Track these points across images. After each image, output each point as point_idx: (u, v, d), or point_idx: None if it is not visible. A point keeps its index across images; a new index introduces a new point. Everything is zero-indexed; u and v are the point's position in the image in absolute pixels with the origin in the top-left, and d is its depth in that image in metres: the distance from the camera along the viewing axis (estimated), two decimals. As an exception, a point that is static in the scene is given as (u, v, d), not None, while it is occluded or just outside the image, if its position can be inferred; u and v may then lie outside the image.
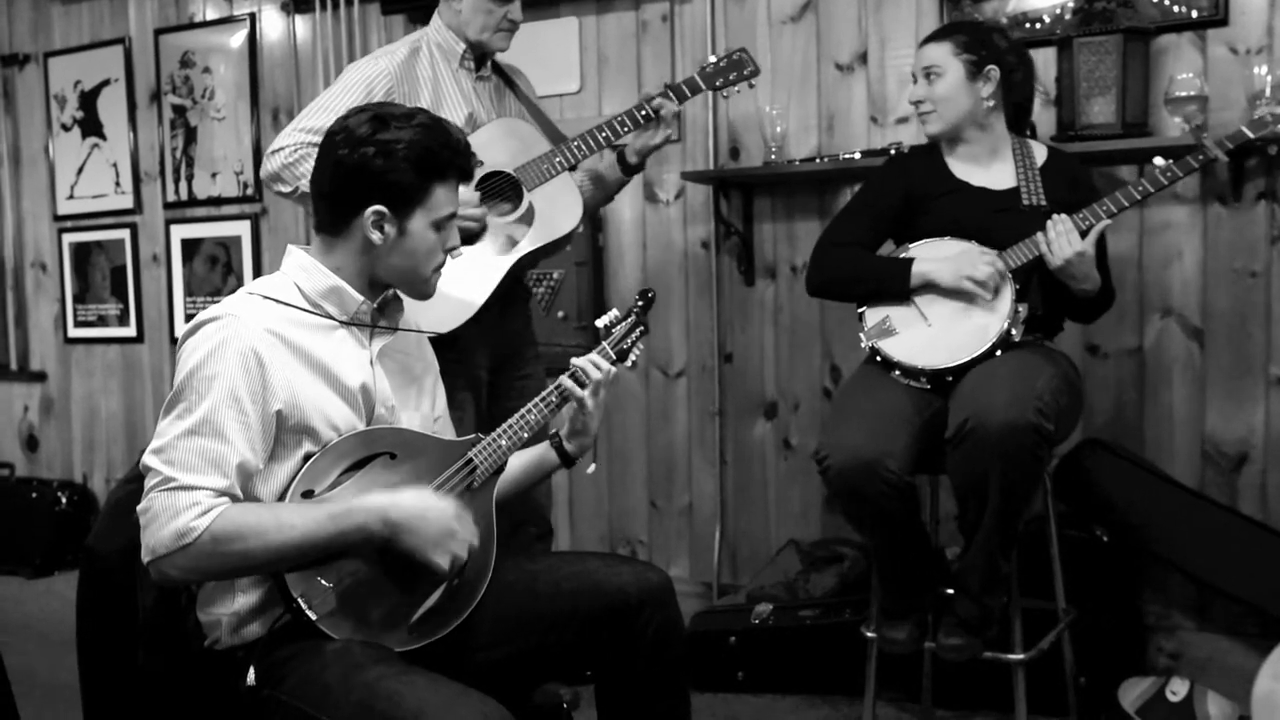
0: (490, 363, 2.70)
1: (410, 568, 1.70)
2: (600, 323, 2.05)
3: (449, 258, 1.84)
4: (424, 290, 1.84)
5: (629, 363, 2.05)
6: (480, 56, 2.71)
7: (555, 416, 1.95)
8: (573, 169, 2.64)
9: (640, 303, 2.11)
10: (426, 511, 1.68)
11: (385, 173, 1.71)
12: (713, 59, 2.76)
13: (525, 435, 1.90)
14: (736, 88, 2.75)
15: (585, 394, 1.93)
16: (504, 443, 1.88)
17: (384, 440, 1.76)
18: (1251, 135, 2.43)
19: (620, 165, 2.74)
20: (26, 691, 3.20)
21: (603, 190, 2.82)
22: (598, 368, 1.95)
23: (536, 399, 1.92)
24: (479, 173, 2.54)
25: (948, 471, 2.34)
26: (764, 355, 3.59)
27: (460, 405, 2.57)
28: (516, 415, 1.90)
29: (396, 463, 1.75)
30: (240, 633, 1.68)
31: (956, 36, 2.58)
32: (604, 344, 2.02)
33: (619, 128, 2.63)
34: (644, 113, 2.63)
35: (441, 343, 2.43)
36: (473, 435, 1.88)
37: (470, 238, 2.54)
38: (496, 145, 2.59)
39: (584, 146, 2.62)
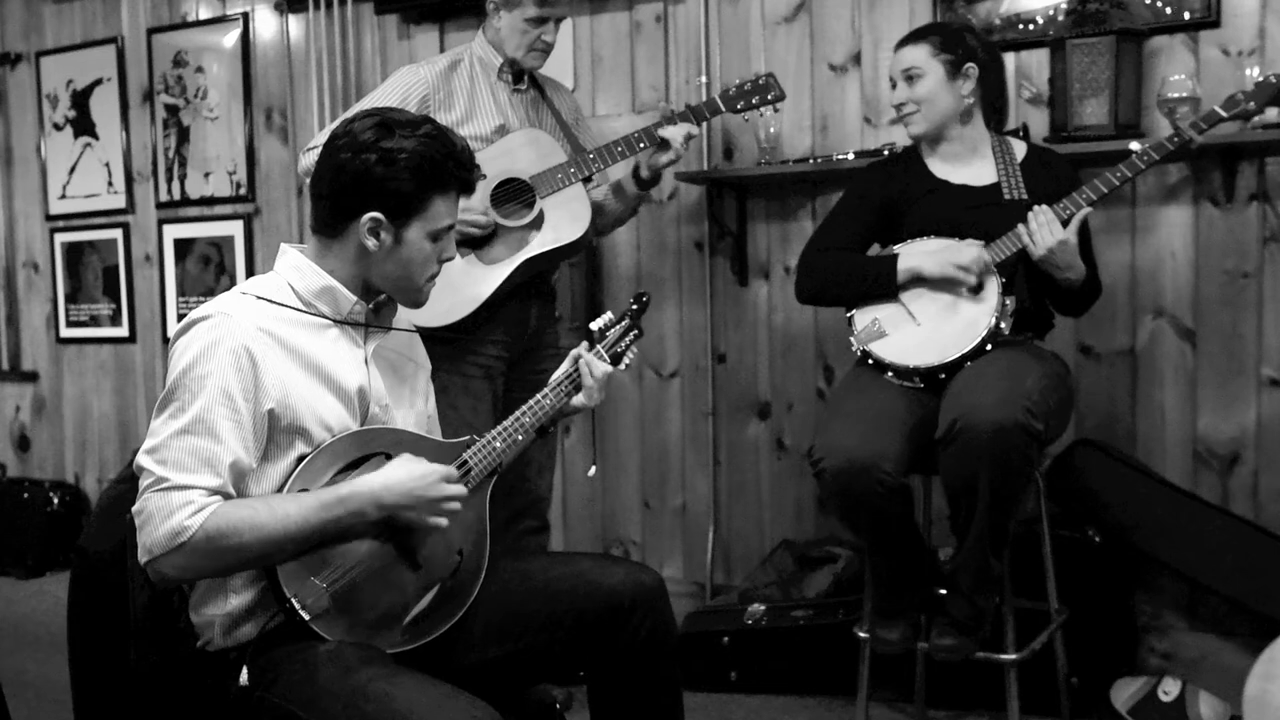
0: (509, 354, 2.79)
1: (405, 566, 1.71)
2: (595, 325, 2.06)
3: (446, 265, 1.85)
4: (416, 299, 1.84)
5: (622, 365, 2.08)
6: (518, 72, 2.83)
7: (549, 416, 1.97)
8: (587, 180, 2.74)
9: (635, 306, 2.13)
10: (416, 485, 1.69)
11: (385, 180, 1.70)
12: (737, 81, 2.84)
13: (520, 438, 1.90)
14: (760, 111, 2.84)
15: (582, 398, 1.99)
16: (499, 445, 1.88)
17: (379, 440, 1.76)
18: (1225, 115, 2.44)
19: (635, 180, 2.82)
20: (18, 692, 3.20)
21: (624, 202, 2.90)
22: (592, 371, 1.98)
23: (530, 402, 1.93)
24: (498, 178, 2.68)
25: (939, 472, 2.35)
26: (757, 355, 3.59)
27: (477, 395, 2.70)
28: (511, 418, 1.90)
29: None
30: (233, 634, 1.67)
31: (932, 37, 2.61)
32: (598, 346, 2.03)
33: (635, 144, 2.73)
34: (661, 139, 2.72)
35: (458, 333, 2.56)
36: (467, 437, 1.88)
37: (479, 241, 2.65)
38: (516, 153, 2.72)
39: (599, 160, 2.72)
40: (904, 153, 2.75)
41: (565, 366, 2.00)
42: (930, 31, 2.65)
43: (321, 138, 2.63)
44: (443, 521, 1.71)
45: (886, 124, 3.35)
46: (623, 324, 2.10)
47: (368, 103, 2.66)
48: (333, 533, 1.64)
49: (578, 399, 2.00)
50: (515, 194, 2.70)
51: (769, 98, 2.82)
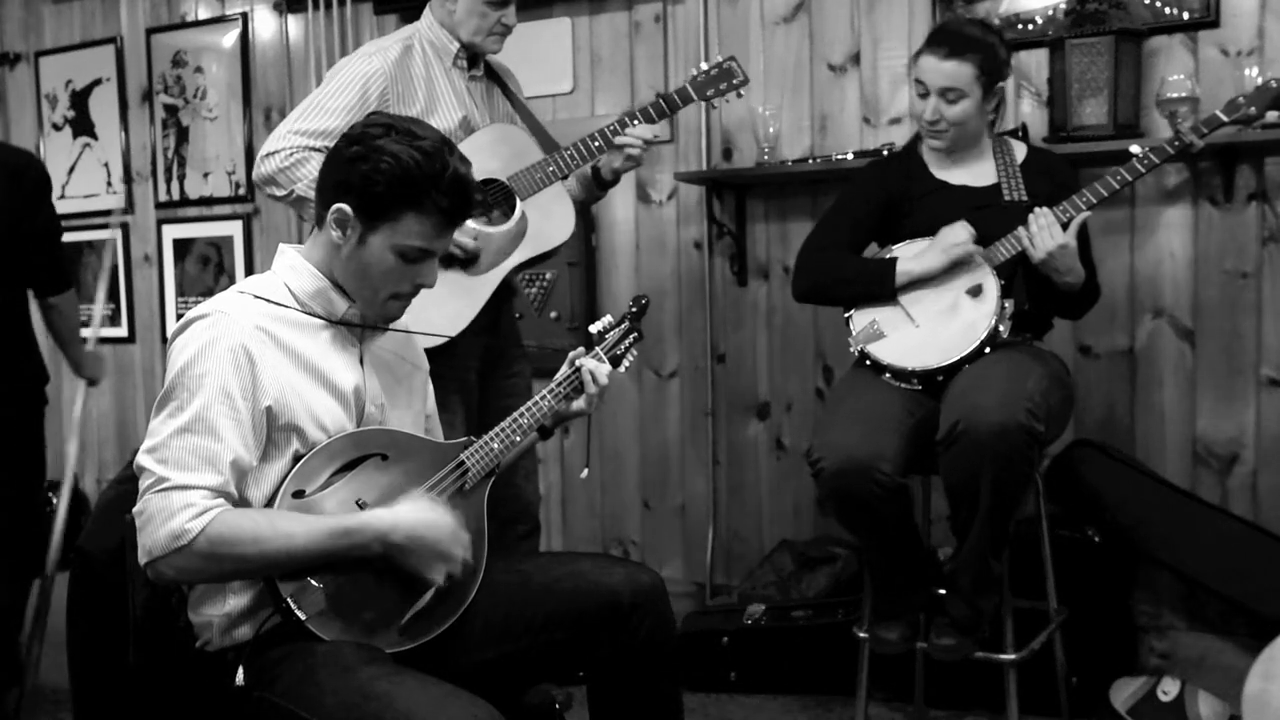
0: (481, 365, 2.70)
1: (403, 573, 1.70)
2: (594, 328, 2.07)
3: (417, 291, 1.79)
4: (378, 311, 1.79)
5: (621, 368, 2.09)
6: (473, 56, 2.68)
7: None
8: (565, 178, 2.64)
9: (634, 309, 2.14)
10: (425, 533, 1.67)
11: (362, 176, 1.69)
12: (704, 66, 2.73)
13: (517, 439, 1.90)
14: (726, 98, 2.74)
15: (583, 404, 1.99)
16: (496, 446, 1.88)
17: (376, 441, 1.76)
18: (1226, 119, 2.43)
19: (595, 179, 2.72)
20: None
21: (588, 194, 2.79)
22: (596, 377, 1.98)
23: (529, 404, 1.93)
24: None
25: (939, 473, 2.35)
26: (756, 355, 3.59)
27: (451, 409, 2.57)
28: (508, 419, 1.90)
29: (388, 464, 1.74)
30: (231, 634, 1.67)
31: (974, 56, 2.46)
32: (597, 349, 2.04)
33: (610, 136, 2.61)
34: (622, 137, 2.59)
35: (433, 350, 2.43)
36: (465, 438, 1.88)
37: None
38: (489, 151, 2.57)
39: (577, 155, 2.60)
40: (904, 151, 2.74)
41: (564, 369, 2.00)
42: (974, 48, 2.47)
43: (277, 143, 2.49)
44: (440, 579, 1.69)
45: (885, 124, 3.36)
46: (622, 326, 2.10)
47: (322, 97, 2.51)
48: (333, 562, 1.63)
49: (578, 403, 2.00)
50: (492, 197, 2.58)
51: (735, 82, 2.70)
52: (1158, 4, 3.00)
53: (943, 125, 2.52)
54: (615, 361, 2.07)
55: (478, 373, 2.69)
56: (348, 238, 1.73)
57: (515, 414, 1.91)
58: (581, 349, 2.03)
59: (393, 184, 1.68)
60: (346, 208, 1.71)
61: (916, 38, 3.30)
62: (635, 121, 2.62)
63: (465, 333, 2.53)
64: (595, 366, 1.99)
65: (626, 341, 2.10)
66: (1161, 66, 2.99)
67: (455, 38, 2.63)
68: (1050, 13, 3.13)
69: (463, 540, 1.72)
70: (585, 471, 2.28)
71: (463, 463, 1.84)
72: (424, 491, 1.75)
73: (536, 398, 1.94)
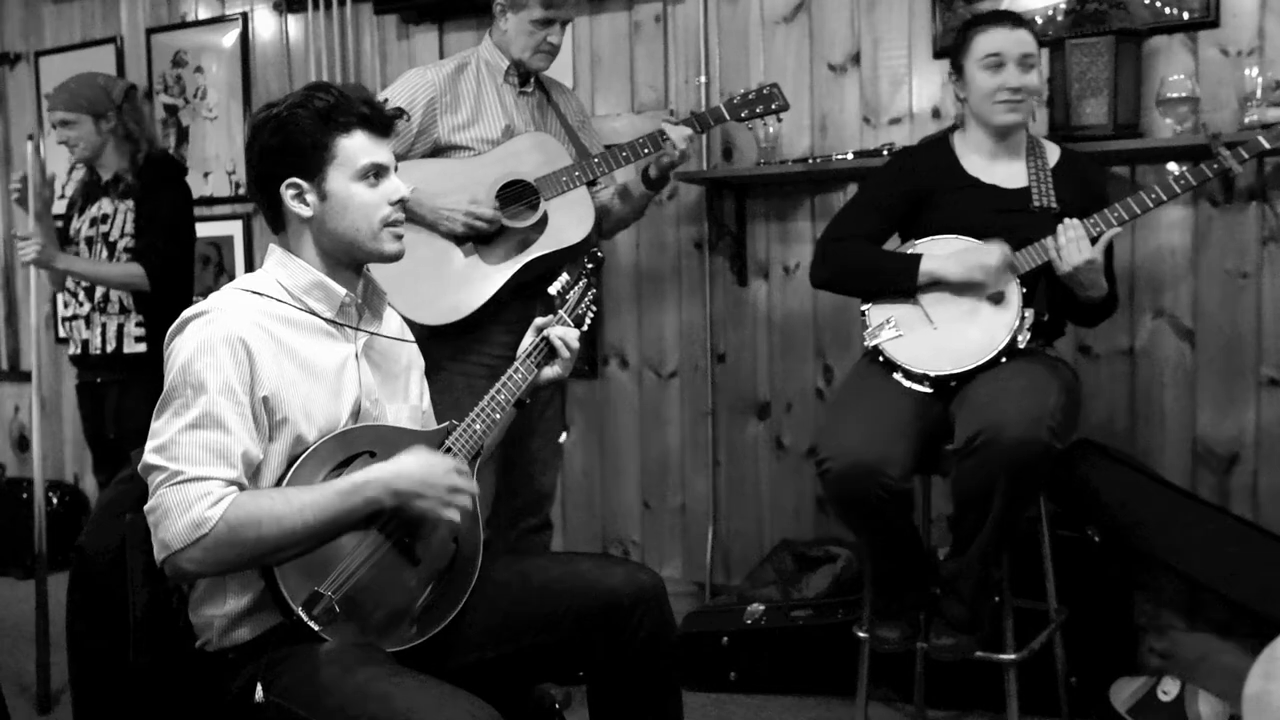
0: (512, 352, 2.75)
1: (405, 563, 1.72)
2: (553, 289, 2.08)
3: (402, 212, 1.82)
4: (380, 249, 1.80)
5: (584, 327, 2.10)
6: (524, 74, 2.85)
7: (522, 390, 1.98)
8: (591, 184, 2.77)
9: (590, 264, 2.17)
10: (429, 474, 1.69)
11: (282, 145, 1.73)
12: (742, 90, 2.86)
13: (498, 417, 1.91)
14: (763, 120, 2.88)
15: (558, 368, 2.02)
16: (478, 427, 1.89)
17: (362, 439, 1.76)
18: (1268, 145, 2.39)
19: (644, 180, 2.85)
20: (19, 691, 3.20)
21: (630, 204, 2.93)
22: (567, 342, 2.00)
23: (503, 379, 1.95)
24: (503, 179, 2.71)
25: (951, 480, 2.33)
26: (757, 355, 3.59)
27: (480, 393, 2.64)
28: (486, 398, 1.92)
29: (377, 460, 1.74)
30: (231, 634, 1.67)
31: (1031, 27, 2.55)
32: (561, 313, 2.05)
33: (639, 149, 2.76)
34: (665, 137, 2.74)
35: (462, 331, 2.62)
36: (447, 423, 1.89)
37: (485, 237, 2.69)
38: (522, 155, 2.76)
39: (603, 164, 2.75)
40: (933, 142, 2.70)
41: (530, 338, 2.01)
42: (1023, 19, 2.56)
43: None
44: (455, 515, 1.71)
45: (886, 124, 3.36)
46: (580, 285, 2.11)
47: None
48: (348, 522, 1.64)
49: (550, 370, 2.01)
50: (520, 196, 2.72)
51: (773, 106, 2.83)
52: (1158, 4, 3.00)
53: (1021, 94, 2.50)
54: (578, 322, 2.09)
55: (509, 360, 2.76)
56: (311, 203, 1.75)
57: (492, 391, 1.92)
58: (549, 317, 2.03)
59: (312, 125, 1.73)
60: (293, 178, 1.74)
61: (916, 38, 3.31)
62: (664, 138, 2.74)
63: (489, 321, 2.69)
64: (564, 332, 2.01)
65: (587, 299, 2.11)
66: (1161, 66, 2.99)
67: (507, 55, 2.81)
68: (1050, 13, 3.13)
69: (467, 474, 1.75)
70: (564, 435, 2.28)
71: (449, 448, 1.84)
72: (421, 447, 1.76)
73: (510, 371, 1.96)
